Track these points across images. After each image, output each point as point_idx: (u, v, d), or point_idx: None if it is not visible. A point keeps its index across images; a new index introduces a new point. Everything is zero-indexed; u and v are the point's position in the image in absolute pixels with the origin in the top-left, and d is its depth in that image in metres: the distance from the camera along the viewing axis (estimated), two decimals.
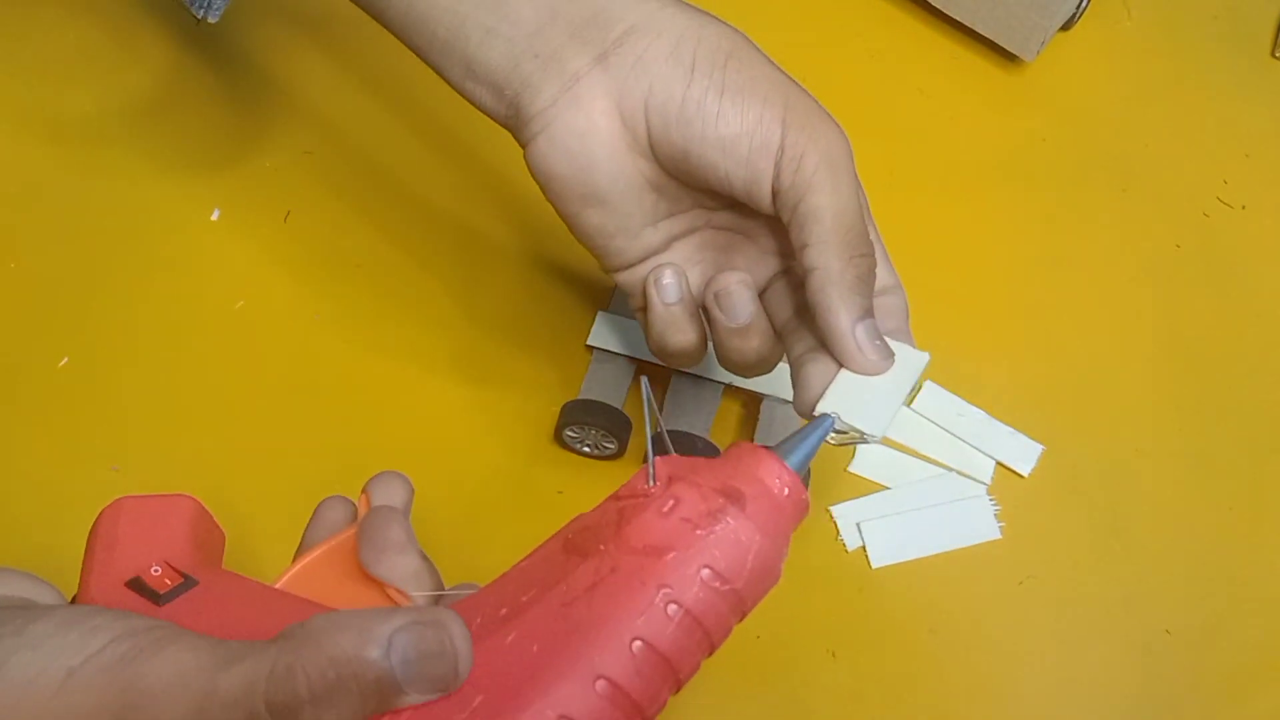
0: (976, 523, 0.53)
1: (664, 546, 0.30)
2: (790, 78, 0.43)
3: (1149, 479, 0.56)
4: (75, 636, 0.27)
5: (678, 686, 0.31)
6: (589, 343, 0.54)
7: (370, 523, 0.35)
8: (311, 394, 0.54)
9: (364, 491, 0.37)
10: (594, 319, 0.55)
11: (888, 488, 0.54)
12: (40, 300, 0.55)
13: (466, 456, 0.53)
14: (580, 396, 0.52)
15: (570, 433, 0.52)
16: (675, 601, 0.29)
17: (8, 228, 0.57)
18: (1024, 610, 0.51)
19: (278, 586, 0.34)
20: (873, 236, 0.43)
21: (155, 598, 0.32)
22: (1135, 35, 0.72)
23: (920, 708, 0.49)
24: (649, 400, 0.33)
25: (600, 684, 0.28)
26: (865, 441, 0.39)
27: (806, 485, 0.33)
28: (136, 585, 0.33)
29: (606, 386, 0.53)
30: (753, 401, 0.54)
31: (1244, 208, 0.65)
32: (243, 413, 0.53)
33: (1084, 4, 0.69)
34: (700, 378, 0.53)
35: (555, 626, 0.29)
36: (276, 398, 0.53)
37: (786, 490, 0.32)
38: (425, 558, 0.35)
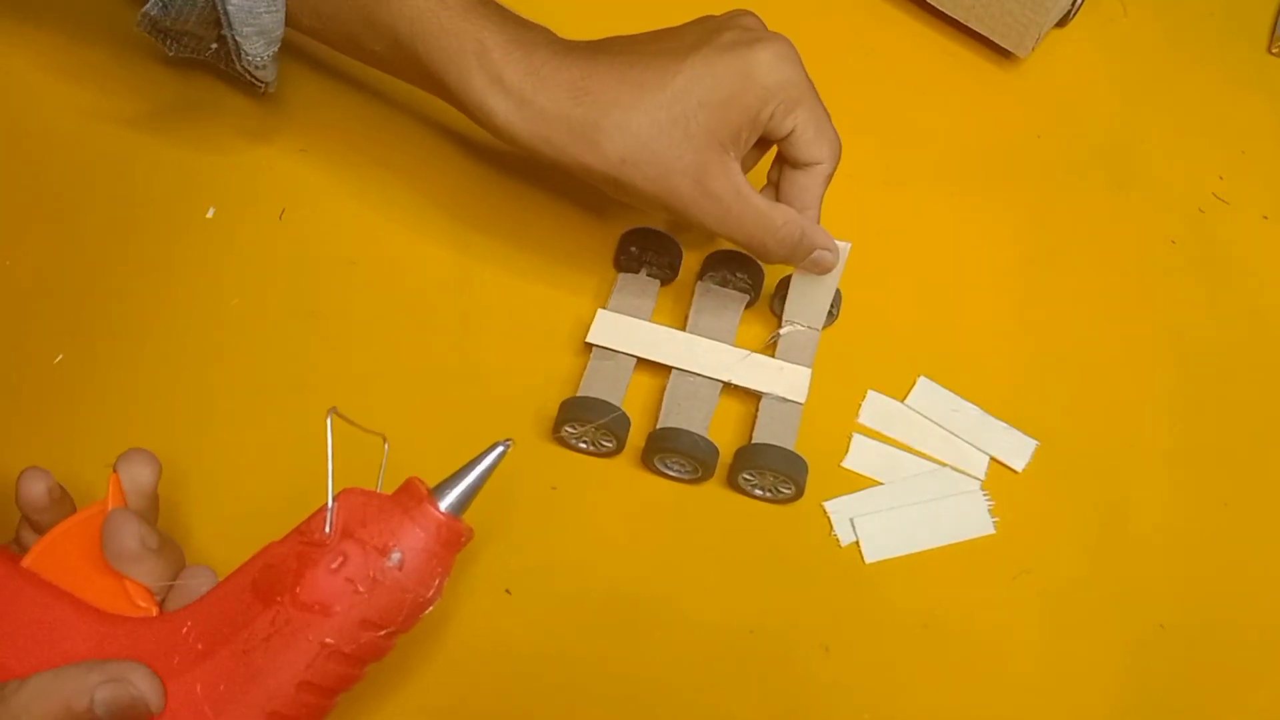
0: (970, 518, 0.53)
1: (328, 604, 0.36)
2: None
3: (1143, 474, 0.56)
4: None
5: (344, 690, 0.38)
6: (588, 340, 0.54)
7: (107, 532, 0.39)
8: (306, 391, 0.54)
9: (114, 470, 0.41)
10: (593, 316, 0.55)
11: (881, 483, 0.54)
12: (35, 297, 0.55)
13: (463, 453, 0.53)
14: (579, 394, 0.52)
15: (568, 430, 0.52)
16: (337, 649, 0.36)
17: (1, 225, 0.57)
18: (1017, 605, 0.52)
19: (25, 563, 0.39)
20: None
21: None
22: (1131, 31, 0.72)
23: (914, 703, 0.49)
24: (331, 438, 0.38)
25: (273, 715, 0.36)
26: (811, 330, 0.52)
27: (464, 510, 0.39)
28: None
29: (605, 384, 0.53)
30: (751, 399, 0.54)
31: (1239, 204, 0.65)
32: (237, 410, 0.53)
33: (1079, 1, 0.69)
34: (699, 376, 0.53)
35: (237, 671, 0.36)
36: (271, 395, 0.54)
37: (441, 535, 0.38)
38: (160, 548, 0.39)
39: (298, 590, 0.36)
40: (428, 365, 0.55)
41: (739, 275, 0.57)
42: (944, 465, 0.54)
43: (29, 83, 0.61)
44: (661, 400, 0.53)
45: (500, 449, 0.40)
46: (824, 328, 0.56)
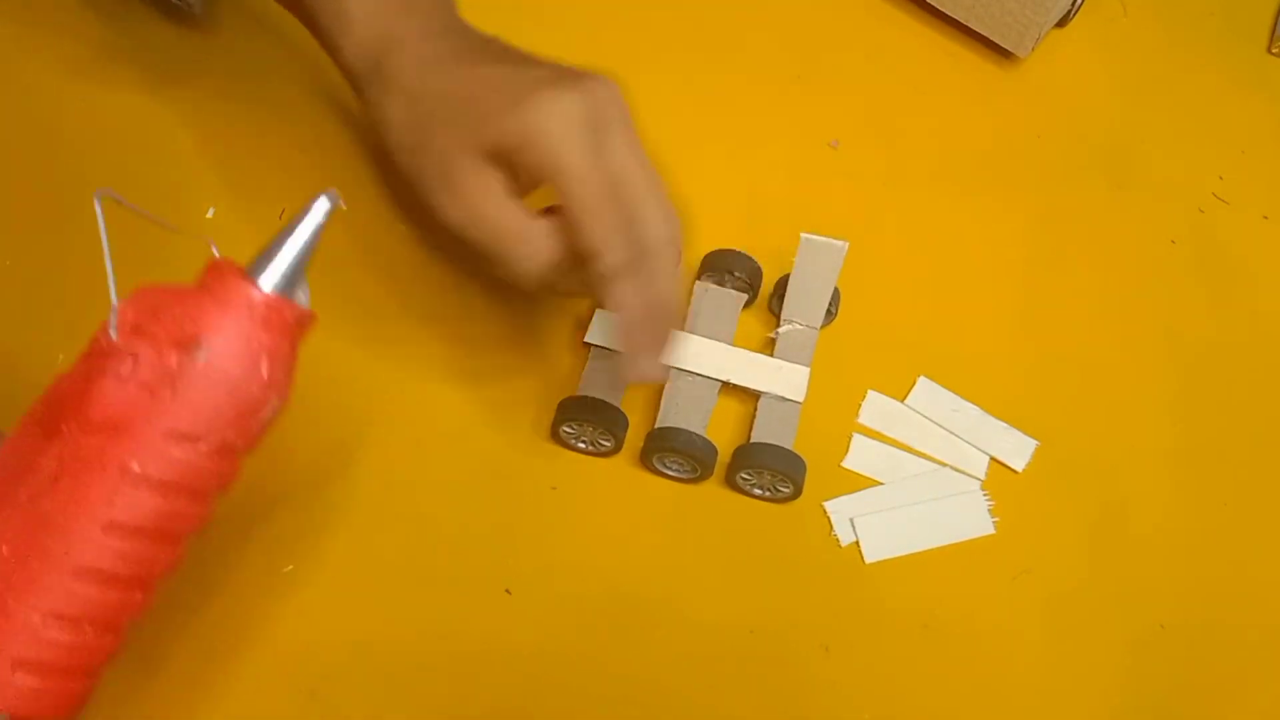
0: (970, 518, 0.53)
1: (123, 419, 0.29)
2: None
3: (1144, 474, 0.56)
4: None
5: (184, 536, 0.31)
6: (587, 339, 0.54)
7: None
8: (305, 390, 0.54)
9: None
10: (592, 316, 0.55)
11: (881, 483, 0.54)
12: (35, 298, 0.55)
13: (461, 452, 0.53)
14: (577, 393, 0.52)
15: (566, 429, 0.52)
16: (145, 477, 0.29)
17: (1, 226, 0.57)
18: (1018, 606, 0.52)
19: None
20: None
21: None
22: (1131, 31, 0.72)
23: (914, 703, 0.49)
24: (103, 224, 0.31)
25: (84, 574, 0.28)
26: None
27: (299, 289, 0.31)
28: None
29: (603, 383, 0.53)
30: (750, 398, 0.54)
31: (1239, 204, 0.65)
32: None
33: (1079, 1, 0.69)
34: (698, 375, 0.53)
35: (27, 524, 0.28)
36: None
37: (264, 316, 0.30)
38: None
39: (85, 411, 0.29)
40: (427, 365, 0.55)
41: (737, 274, 0.57)
42: (944, 465, 0.54)
43: (29, 83, 0.61)
44: (660, 399, 0.53)
45: (325, 204, 0.33)
46: (822, 327, 0.56)
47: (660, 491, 0.53)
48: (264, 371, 0.31)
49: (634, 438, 0.53)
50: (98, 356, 0.31)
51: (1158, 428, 0.57)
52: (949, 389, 0.56)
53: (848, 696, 0.49)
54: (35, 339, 0.54)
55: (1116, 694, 0.50)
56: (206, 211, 0.58)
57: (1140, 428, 0.57)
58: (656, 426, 0.52)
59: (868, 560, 0.52)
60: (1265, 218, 0.65)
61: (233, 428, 0.31)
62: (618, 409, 0.52)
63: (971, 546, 0.53)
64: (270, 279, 0.31)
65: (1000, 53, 0.69)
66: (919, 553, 0.52)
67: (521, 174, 0.44)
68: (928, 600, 0.51)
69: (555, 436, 0.53)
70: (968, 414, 0.56)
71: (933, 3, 0.69)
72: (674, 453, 0.51)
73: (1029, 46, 0.67)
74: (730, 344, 0.55)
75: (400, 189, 0.60)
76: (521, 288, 0.46)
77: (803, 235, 0.52)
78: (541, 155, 0.42)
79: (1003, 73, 0.69)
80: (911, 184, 0.64)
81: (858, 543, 0.52)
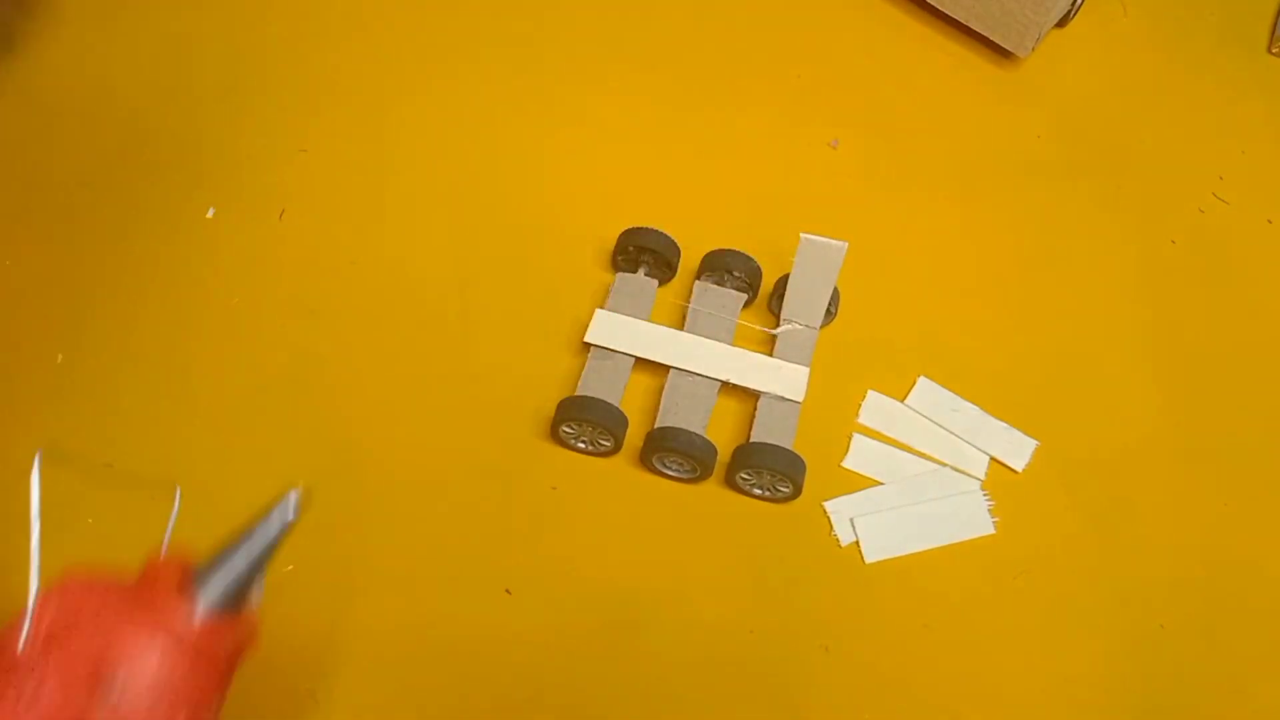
0: (971, 518, 0.53)
1: None
2: None
3: (1143, 474, 0.56)
4: None
5: None
6: (586, 339, 0.54)
7: None
8: (306, 390, 0.54)
9: None
10: (591, 316, 0.55)
11: (881, 483, 0.54)
12: (36, 298, 0.55)
13: (461, 451, 0.53)
14: (577, 393, 0.52)
15: (566, 429, 0.52)
16: None
17: (1, 226, 0.57)
18: (1018, 605, 0.51)
19: None
20: None
21: None
22: (1131, 32, 0.72)
23: (914, 702, 0.49)
24: (37, 500, 0.26)
25: None
26: None
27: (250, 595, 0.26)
28: None
29: (603, 383, 0.53)
30: (749, 398, 0.54)
31: (1239, 204, 0.65)
32: (236, 409, 0.53)
33: (1079, 1, 0.69)
34: (697, 375, 0.53)
35: None
36: (270, 394, 0.54)
37: (196, 644, 0.25)
38: None
39: None
40: (427, 365, 0.55)
41: (737, 274, 0.57)
42: (944, 465, 0.54)
43: (29, 83, 0.61)
44: (660, 399, 0.53)
45: (288, 515, 0.28)
46: (822, 326, 0.56)
47: (660, 491, 0.53)
48: (190, 705, 0.26)
49: (633, 437, 0.53)
50: (4, 668, 0.25)
51: (1158, 428, 0.57)
52: (949, 389, 0.56)
53: (848, 696, 0.49)
54: (35, 339, 0.54)
55: (1117, 693, 0.50)
56: (206, 211, 0.58)
57: (1140, 427, 0.57)
58: (656, 426, 0.52)
59: (868, 560, 0.52)
60: (1270, 221, 0.65)
61: None
62: (617, 409, 0.51)
63: (971, 546, 0.53)
64: (212, 593, 0.26)
65: (1000, 53, 0.69)
66: (919, 553, 0.52)
67: None
68: (928, 600, 0.51)
69: (555, 436, 0.53)
70: (968, 414, 0.56)
71: (933, 3, 0.69)
72: (674, 453, 0.51)
73: (1029, 46, 0.67)
74: (730, 344, 0.55)
75: (401, 189, 0.60)
76: None
77: (802, 235, 0.52)
78: None
79: (1003, 73, 0.69)
80: (911, 184, 0.64)
81: (858, 543, 0.52)
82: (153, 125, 0.61)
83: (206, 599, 0.26)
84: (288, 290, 0.56)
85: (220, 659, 0.26)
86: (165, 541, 0.27)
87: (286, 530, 0.28)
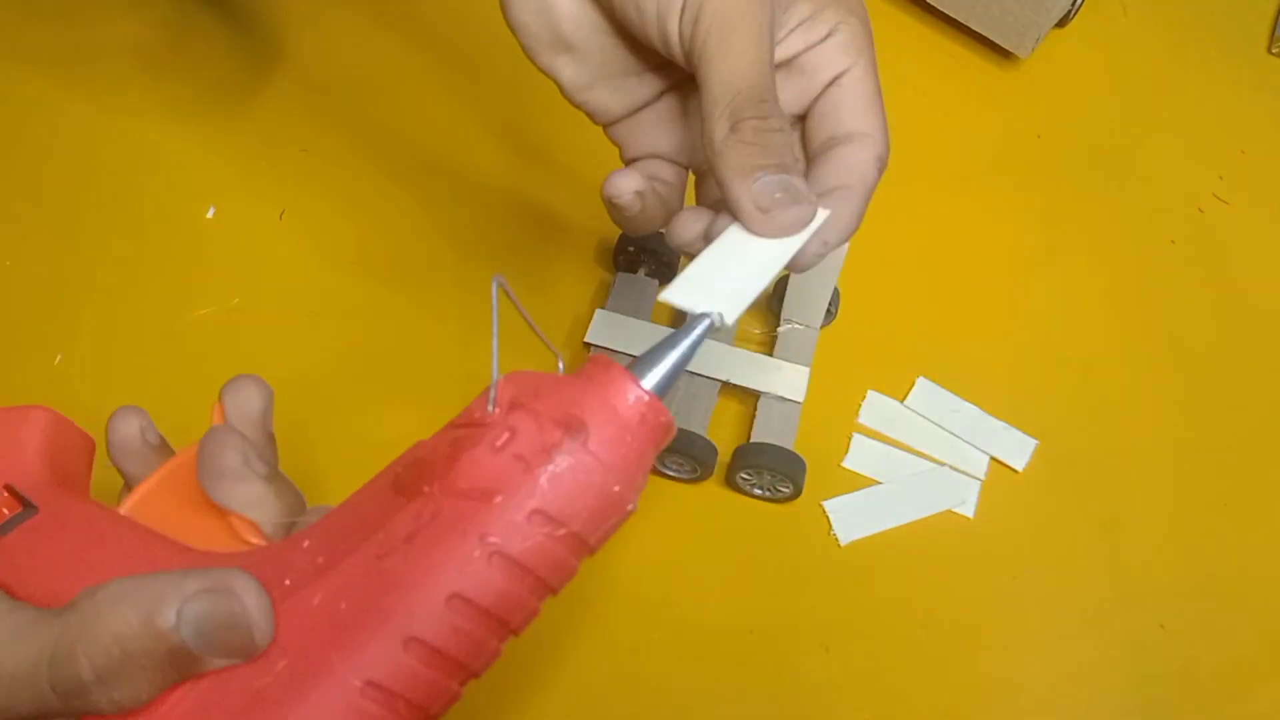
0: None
1: (492, 489, 0.26)
2: None
3: (1143, 474, 0.56)
4: None
5: (512, 635, 0.28)
6: (587, 340, 0.54)
7: (205, 449, 0.31)
8: (306, 392, 0.54)
9: (219, 401, 0.34)
10: (592, 316, 0.55)
11: (880, 483, 0.54)
12: (34, 298, 0.55)
13: None
14: None
15: None
16: (499, 552, 0.26)
17: (1, 226, 0.57)
18: (1017, 605, 0.52)
19: (125, 508, 0.32)
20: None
21: None
22: (1131, 32, 0.72)
23: (914, 702, 0.49)
24: (496, 306, 0.30)
25: (412, 645, 0.26)
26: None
27: (667, 391, 0.29)
28: None
29: None
30: (750, 398, 0.54)
31: (1239, 204, 0.65)
32: None
33: (1079, 1, 0.69)
34: (697, 375, 0.53)
35: (368, 582, 0.26)
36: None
37: (641, 414, 0.28)
38: (271, 478, 0.32)
39: (452, 475, 0.27)
40: (427, 365, 0.55)
41: None
42: (943, 465, 0.54)
43: (28, 84, 0.61)
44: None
45: (706, 322, 0.31)
46: (822, 326, 0.56)
47: (660, 492, 0.53)
48: (635, 471, 0.29)
49: None
50: (470, 425, 0.28)
51: (1158, 427, 0.57)
52: (949, 389, 0.56)
53: (848, 696, 0.49)
54: (33, 339, 0.54)
55: (1117, 693, 0.50)
56: (207, 211, 0.58)
57: (1140, 427, 0.57)
58: None
59: (868, 560, 0.52)
60: (1265, 217, 0.65)
61: (592, 522, 0.28)
62: None
63: (972, 546, 0.53)
64: (651, 380, 0.29)
65: (1000, 53, 0.69)
66: (919, 553, 0.52)
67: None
68: (927, 600, 0.51)
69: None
70: (967, 414, 0.56)
71: (933, 3, 0.69)
72: (674, 452, 0.51)
73: (1029, 46, 0.67)
74: (730, 344, 0.55)
75: (401, 189, 0.60)
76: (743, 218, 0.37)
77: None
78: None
79: (1003, 73, 0.69)
80: (911, 184, 0.64)
81: (858, 542, 0.52)
82: (153, 125, 0.61)
83: (648, 383, 0.29)
84: (288, 290, 0.56)
85: (661, 430, 0.29)
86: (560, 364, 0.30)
87: (704, 336, 0.30)
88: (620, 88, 0.42)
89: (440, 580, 0.26)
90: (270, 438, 0.35)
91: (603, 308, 0.55)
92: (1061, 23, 0.70)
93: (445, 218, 0.60)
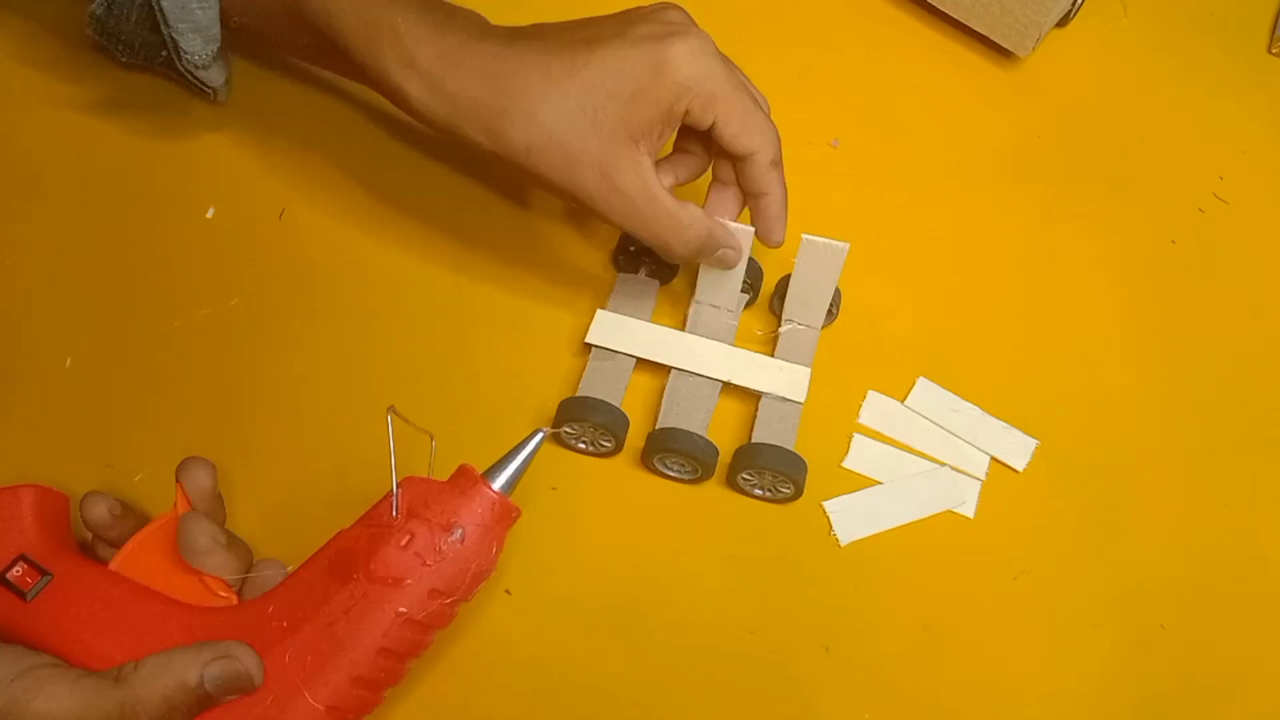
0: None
1: (401, 577, 0.40)
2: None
3: (1144, 474, 0.56)
4: None
5: (414, 657, 0.42)
6: (587, 340, 0.54)
7: (183, 532, 0.43)
8: (306, 391, 0.54)
9: (177, 479, 0.45)
10: (593, 316, 0.55)
11: (880, 483, 0.54)
12: (42, 302, 0.55)
13: (463, 452, 0.53)
14: (578, 394, 0.52)
15: (567, 430, 0.52)
16: (410, 618, 0.40)
17: (2, 228, 0.57)
18: (1018, 605, 0.52)
19: (114, 565, 0.43)
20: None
21: (22, 595, 0.41)
22: (1131, 31, 0.72)
23: (914, 703, 0.49)
24: (392, 432, 0.42)
25: (356, 681, 0.40)
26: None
27: (512, 489, 0.43)
28: (4, 583, 0.41)
29: (605, 384, 0.53)
30: (751, 398, 0.54)
31: (1239, 204, 0.65)
32: (237, 410, 0.53)
33: (1079, 1, 0.69)
34: (698, 376, 0.53)
35: (322, 642, 0.40)
36: (271, 395, 0.54)
37: (495, 510, 0.42)
38: (230, 544, 0.44)
39: (372, 566, 0.40)
40: (428, 365, 0.55)
41: None
42: (944, 465, 0.54)
43: (29, 87, 0.61)
44: (661, 400, 0.53)
45: (539, 436, 0.44)
46: (823, 327, 0.56)
47: (660, 492, 0.53)
48: (494, 552, 0.42)
49: (634, 438, 0.53)
50: (379, 525, 0.41)
51: (1158, 427, 0.57)
52: (949, 389, 0.56)
53: (848, 696, 0.49)
54: (43, 343, 0.54)
55: (1118, 693, 0.50)
56: (206, 211, 0.58)
57: (1140, 427, 0.57)
58: (657, 427, 0.52)
59: (868, 560, 0.52)
60: (1266, 217, 0.65)
61: (469, 589, 0.41)
62: (619, 410, 0.51)
63: (972, 547, 0.53)
64: (499, 483, 0.42)
65: (1000, 53, 0.69)
66: (919, 553, 0.52)
67: (667, 130, 0.49)
68: (928, 600, 0.51)
69: (555, 437, 0.53)
70: (968, 414, 0.56)
71: (933, 3, 0.69)
72: (675, 453, 0.51)
73: (1029, 46, 0.67)
74: (731, 344, 0.55)
75: (402, 189, 0.60)
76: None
77: (804, 236, 0.52)
78: (700, 97, 0.48)
79: (1003, 73, 0.69)
80: (911, 184, 0.64)
81: (858, 543, 0.52)
82: (153, 124, 0.61)
83: (497, 485, 0.42)
84: (288, 291, 0.56)
85: (508, 519, 0.42)
86: (393, 461, 0.42)
87: (539, 446, 0.44)
88: None
89: (371, 639, 0.40)
90: (220, 500, 0.46)
91: (603, 308, 0.55)
92: (1061, 23, 0.70)
93: (446, 218, 0.60)
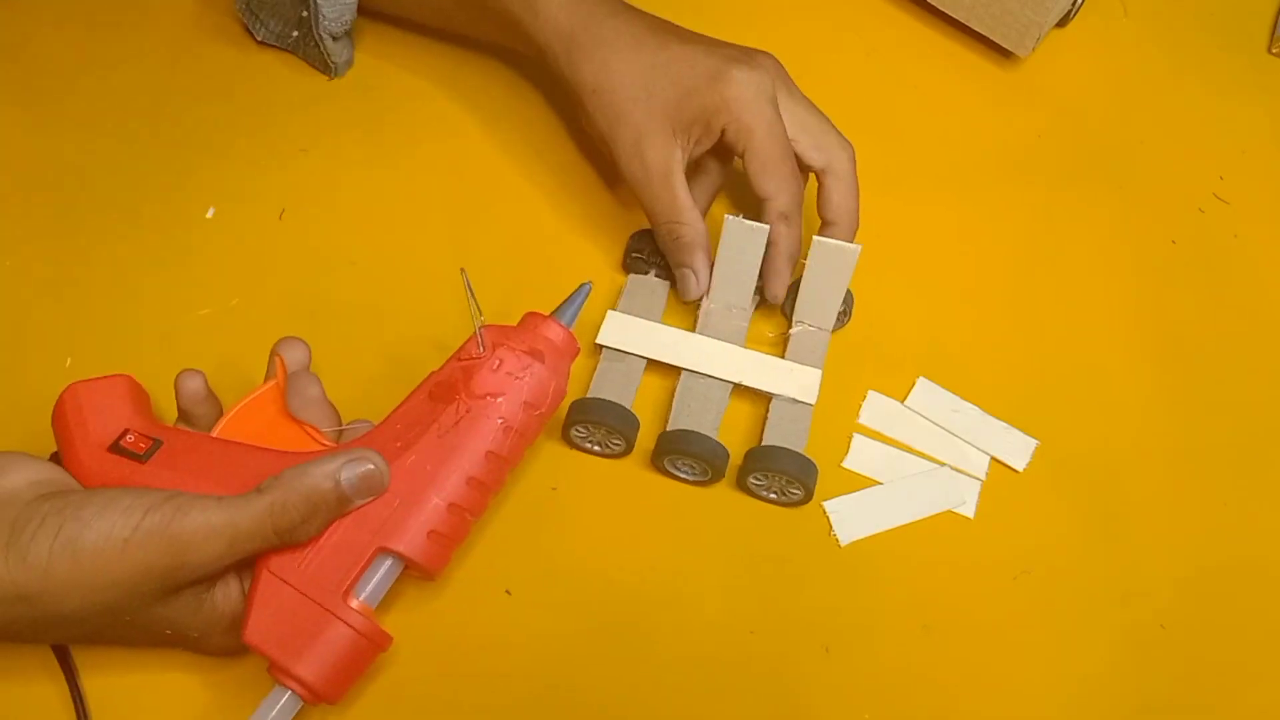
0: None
1: (498, 392, 0.46)
2: None
3: (1144, 473, 0.56)
4: (118, 514, 0.39)
5: (511, 467, 0.47)
6: (598, 341, 0.54)
7: (295, 384, 0.48)
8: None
9: (275, 353, 0.49)
10: (603, 318, 0.55)
11: (880, 483, 0.54)
12: (42, 301, 0.55)
13: None
14: (588, 395, 0.52)
15: (577, 431, 0.52)
16: (509, 426, 0.46)
17: (3, 229, 0.57)
18: (1018, 605, 0.52)
19: (216, 433, 0.46)
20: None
21: (139, 458, 0.44)
22: (1131, 32, 0.72)
23: (914, 703, 0.49)
24: (470, 288, 0.47)
25: (469, 480, 0.45)
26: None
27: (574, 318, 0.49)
28: (119, 450, 0.44)
29: (615, 385, 0.53)
30: (761, 400, 0.54)
31: (1239, 204, 0.65)
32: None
33: (1079, 1, 0.69)
34: (709, 377, 0.53)
35: (438, 450, 0.45)
36: None
37: (565, 339, 0.48)
38: (331, 405, 0.49)
39: (472, 386, 0.46)
40: (430, 366, 0.55)
41: None
42: (944, 465, 0.54)
43: (29, 87, 0.61)
44: (671, 402, 0.53)
45: (587, 287, 0.50)
46: (835, 330, 0.56)
47: (659, 492, 0.53)
48: (564, 375, 0.48)
49: (644, 439, 0.53)
50: (468, 358, 0.47)
51: (1158, 427, 0.57)
52: (949, 389, 0.56)
53: (848, 696, 0.49)
54: (44, 343, 0.54)
55: (1117, 693, 0.50)
56: (206, 211, 0.58)
57: (1140, 427, 0.57)
58: (668, 429, 0.52)
59: (868, 560, 0.52)
60: (1266, 217, 0.65)
61: (550, 405, 0.47)
62: (629, 411, 0.51)
63: (972, 546, 0.53)
64: (565, 318, 0.49)
65: (1000, 53, 0.69)
66: (919, 553, 0.52)
67: (705, 139, 0.54)
68: (928, 600, 0.51)
69: (566, 438, 0.53)
70: (968, 414, 0.56)
71: (933, 3, 0.69)
72: (686, 456, 0.51)
73: (1029, 46, 0.67)
74: (742, 346, 0.55)
75: (403, 189, 0.60)
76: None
77: (815, 238, 0.52)
78: (736, 120, 0.53)
79: (1003, 73, 0.69)
80: (911, 184, 0.64)
81: (858, 543, 0.52)
82: (153, 124, 0.61)
83: (563, 320, 0.49)
84: (288, 290, 0.56)
85: (572, 350, 0.49)
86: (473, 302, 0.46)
87: (586, 295, 0.50)
88: None
89: (480, 444, 0.45)
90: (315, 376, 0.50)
91: (614, 309, 0.55)
92: (1061, 23, 0.70)
93: (449, 220, 0.60)
